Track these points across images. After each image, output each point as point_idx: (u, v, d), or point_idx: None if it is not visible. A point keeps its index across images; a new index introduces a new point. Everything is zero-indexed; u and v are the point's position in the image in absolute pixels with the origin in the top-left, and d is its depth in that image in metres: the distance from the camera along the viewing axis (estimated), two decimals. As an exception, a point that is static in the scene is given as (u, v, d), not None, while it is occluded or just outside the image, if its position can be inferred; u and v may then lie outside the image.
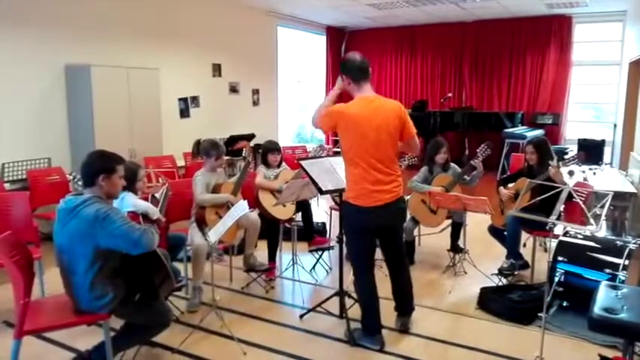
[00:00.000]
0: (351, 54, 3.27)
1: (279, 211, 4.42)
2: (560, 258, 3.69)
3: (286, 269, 4.63)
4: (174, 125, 7.39)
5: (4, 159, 5.26)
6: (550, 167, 4.12)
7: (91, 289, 2.64)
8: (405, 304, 3.51)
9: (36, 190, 5.03)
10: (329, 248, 5.03)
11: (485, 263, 4.67)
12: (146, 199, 3.55)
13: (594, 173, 5.84)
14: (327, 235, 5.55)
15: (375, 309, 3.32)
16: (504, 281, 4.27)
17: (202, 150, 4.24)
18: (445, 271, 4.69)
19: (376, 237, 3.35)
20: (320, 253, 4.83)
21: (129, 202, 3.32)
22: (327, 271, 4.75)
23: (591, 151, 7.80)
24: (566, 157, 4.29)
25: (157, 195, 3.62)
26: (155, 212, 3.31)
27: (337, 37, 11.76)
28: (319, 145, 5.17)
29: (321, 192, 3.48)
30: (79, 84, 5.86)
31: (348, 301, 3.69)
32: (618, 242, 3.74)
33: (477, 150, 4.64)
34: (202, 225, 3.92)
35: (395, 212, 3.25)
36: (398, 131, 3.17)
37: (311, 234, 5.10)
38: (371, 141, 3.05)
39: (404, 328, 3.48)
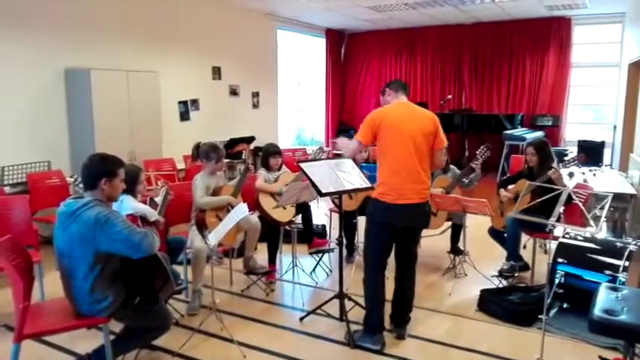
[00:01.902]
0: (396, 79, 3.71)
1: (279, 214, 4.42)
2: (560, 260, 3.69)
3: (286, 272, 4.63)
4: (174, 128, 7.40)
5: (4, 162, 5.26)
6: (551, 171, 4.11)
7: (90, 292, 2.64)
8: (402, 313, 3.50)
9: (36, 193, 5.04)
10: (329, 250, 5.03)
11: (486, 265, 4.66)
12: (145, 202, 3.55)
13: (594, 175, 5.84)
14: (327, 237, 5.54)
15: (380, 308, 3.35)
16: (504, 283, 4.27)
17: (202, 153, 4.24)
18: (445, 273, 4.68)
19: (396, 236, 3.36)
20: (320, 255, 4.82)
21: (128, 205, 3.32)
22: (327, 274, 4.75)
23: (591, 153, 7.81)
24: (566, 158, 4.29)
25: (157, 199, 3.62)
26: (153, 214, 3.31)
27: (337, 40, 11.78)
28: (319, 147, 5.16)
29: (321, 194, 3.48)
30: (79, 87, 5.87)
31: (348, 304, 3.69)
32: (618, 244, 3.74)
33: (477, 152, 4.64)
34: (202, 228, 3.92)
35: (420, 214, 3.32)
36: (432, 136, 3.29)
37: (311, 236, 5.10)
38: (406, 139, 3.18)
39: (400, 338, 3.47)
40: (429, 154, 3.31)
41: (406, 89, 3.47)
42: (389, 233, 3.30)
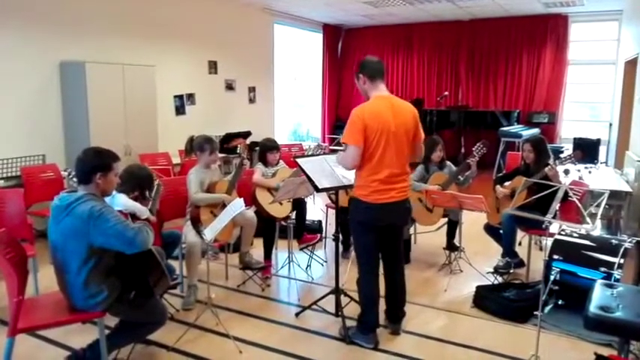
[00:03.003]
0: (368, 56, 3.37)
1: (275, 210, 4.41)
2: (555, 256, 3.68)
3: (282, 267, 4.62)
4: (169, 122, 7.37)
5: (-1, 156, 5.23)
6: (548, 168, 4.11)
7: (84, 287, 2.62)
8: (396, 309, 3.50)
9: (30, 187, 5.00)
10: (317, 242, 5.05)
11: (481, 261, 4.68)
12: (136, 198, 3.51)
13: (590, 172, 5.85)
14: (324, 233, 5.54)
15: (375, 308, 3.33)
16: (500, 279, 4.28)
17: (196, 145, 4.20)
18: (441, 269, 4.69)
19: (380, 234, 3.32)
20: (311, 249, 4.83)
21: (119, 201, 3.29)
22: (321, 264, 4.77)
23: (587, 150, 7.82)
24: (562, 155, 4.29)
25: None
26: (144, 212, 3.27)
27: (334, 35, 11.75)
28: (317, 144, 5.16)
29: (317, 190, 3.47)
30: (74, 81, 5.83)
31: (344, 299, 3.69)
32: (613, 241, 3.74)
33: (473, 149, 4.64)
34: (197, 224, 3.90)
35: (402, 211, 3.28)
36: (412, 131, 3.22)
37: (301, 232, 5.09)
38: (390, 138, 3.09)
39: (395, 333, 3.48)
40: (410, 151, 3.23)
41: (382, 73, 3.21)
42: (373, 231, 3.26)
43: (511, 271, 4.41)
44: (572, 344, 3.34)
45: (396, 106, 3.17)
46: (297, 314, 3.75)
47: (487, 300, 3.85)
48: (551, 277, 3.55)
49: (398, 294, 3.49)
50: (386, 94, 3.22)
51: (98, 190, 2.71)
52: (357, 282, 3.38)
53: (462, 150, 9.87)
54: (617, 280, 3.36)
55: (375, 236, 3.29)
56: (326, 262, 4.85)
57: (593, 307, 2.55)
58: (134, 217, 3.17)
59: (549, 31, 9.74)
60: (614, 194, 4.95)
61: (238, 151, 4.39)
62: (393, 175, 3.13)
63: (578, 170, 5.72)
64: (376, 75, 3.20)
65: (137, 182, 3.42)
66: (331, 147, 7.47)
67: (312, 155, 4.16)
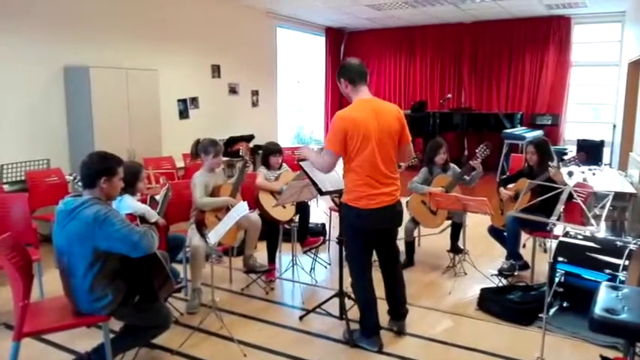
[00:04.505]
0: (349, 59, 3.34)
1: (279, 213, 4.42)
2: (560, 258, 3.68)
3: (286, 270, 4.63)
4: (173, 126, 7.39)
5: (4, 160, 5.24)
6: (550, 168, 4.12)
7: (90, 290, 2.63)
8: (398, 308, 3.50)
9: (35, 191, 5.02)
10: (320, 245, 5.04)
11: (485, 264, 4.67)
12: (145, 201, 3.53)
13: (594, 174, 5.85)
14: (327, 236, 5.54)
15: (374, 310, 3.32)
16: (504, 282, 4.27)
17: (201, 147, 4.21)
18: (445, 271, 4.68)
19: (373, 237, 3.32)
20: (314, 252, 4.84)
21: (127, 204, 3.31)
22: (325, 267, 4.78)
23: (590, 152, 7.80)
24: (565, 157, 4.29)
25: (157, 197, 3.60)
26: (153, 215, 3.28)
27: (336, 38, 11.77)
28: (320, 146, 5.17)
29: (321, 193, 3.48)
30: (78, 85, 5.86)
31: (348, 303, 3.68)
32: (618, 243, 3.74)
33: (476, 150, 4.63)
34: (202, 227, 3.91)
35: (393, 215, 3.26)
36: (397, 134, 3.18)
37: (304, 235, 5.09)
38: (373, 142, 3.05)
39: (399, 332, 3.48)
40: (396, 154, 3.19)
41: (364, 76, 3.16)
42: (366, 235, 3.24)
43: (515, 273, 4.40)
44: (577, 346, 3.32)
45: (378, 109, 3.12)
46: (301, 317, 3.75)
47: (491, 302, 3.84)
48: (556, 279, 3.55)
49: (398, 293, 3.49)
50: (368, 97, 3.18)
51: (103, 194, 2.73)
52: (351, 285, 3.38)
53: (465, 152, 9.87)
54: (622, 282, 3.35)
55: (367, 240, 3.27)
56: (330, 264, 4.85)
57: (598, 309, 2.55)
58: (143, 220, 3.17)
59: (552, 33, 9.73)
60: (619, 196, 4.95)
61: (241, 154, 4.39)
62: (379, 180, 3.10)
63: (582, 172, 5.71)
64: (357, 79, 3.15)
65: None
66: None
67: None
